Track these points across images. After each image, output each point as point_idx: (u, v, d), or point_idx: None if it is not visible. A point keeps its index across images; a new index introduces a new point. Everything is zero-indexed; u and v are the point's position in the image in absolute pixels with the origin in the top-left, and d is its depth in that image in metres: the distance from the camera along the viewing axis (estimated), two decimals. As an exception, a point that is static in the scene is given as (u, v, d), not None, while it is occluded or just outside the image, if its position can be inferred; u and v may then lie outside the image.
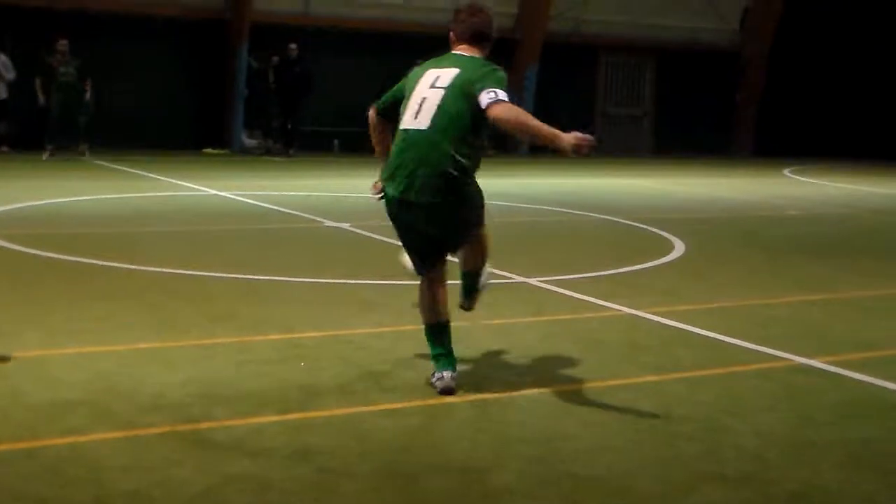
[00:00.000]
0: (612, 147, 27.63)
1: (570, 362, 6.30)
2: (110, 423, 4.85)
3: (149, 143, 21.92)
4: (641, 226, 12.97)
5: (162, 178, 16.93)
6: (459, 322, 7.16)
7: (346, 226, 11.88)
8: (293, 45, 22.42)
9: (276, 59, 22.60)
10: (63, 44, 19.28)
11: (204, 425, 4.87)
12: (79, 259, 8.90)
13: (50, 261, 8.77)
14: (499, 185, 17.36)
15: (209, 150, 22.81)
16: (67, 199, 13.19)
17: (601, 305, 7.93)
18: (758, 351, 6.70)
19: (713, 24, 28.58)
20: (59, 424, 4.80)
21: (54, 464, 4.32)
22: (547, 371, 6.08)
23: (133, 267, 8.73)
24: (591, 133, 5.04)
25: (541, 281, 8.81)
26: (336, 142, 24.29)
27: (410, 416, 5.16)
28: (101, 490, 4.07)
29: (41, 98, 19.57)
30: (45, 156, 19.33)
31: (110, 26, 22.15)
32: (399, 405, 5.32)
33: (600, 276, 9.24)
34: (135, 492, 4.06)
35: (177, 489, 4.11)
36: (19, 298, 7.38)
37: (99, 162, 19.33)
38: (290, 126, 22.73)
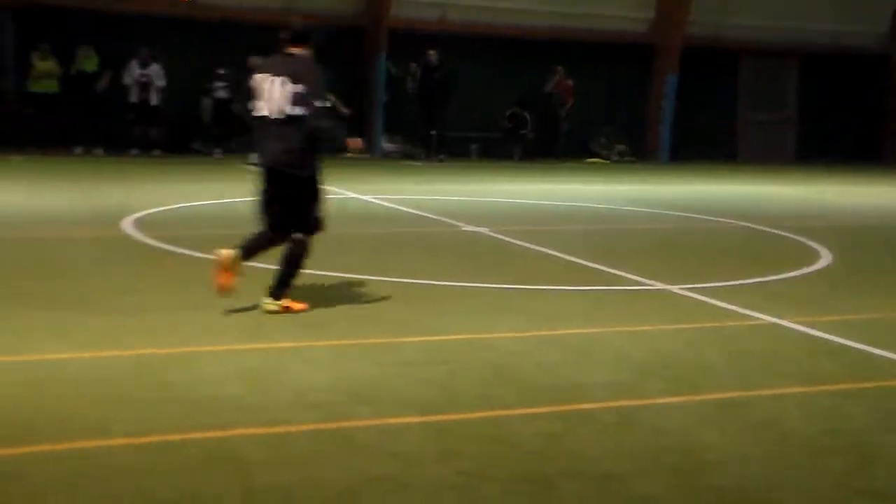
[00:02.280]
0: (754, 154, 27.08)
1: (712, 371, 6.19)
2: (256, 419, 4.97)
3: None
4: (785, 234, 12.66)
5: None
6: (596, 329, 7.14)
7: (484, 230, 11.92)
8: (432, 52, 22.61)
9: (414, 65, 22.83)
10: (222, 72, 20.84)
11: (347, 424, 4.95)
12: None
13: (196, 260, 9.02)
14: (640, 191, 17.21)
15: (350, 155, 23.13)
16: (219, 201, 13.56)
17: (745, 314, 7.77)
18: (910, 364, 6.48)
19: (861, 26, 27.67)
20: (207, 419, 4.93)
21: (203, 457, 4.45)
22: (689, 380, 5.99)
23: (277, 268, 8.90)
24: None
25: (682, 289, 8.67)
26: (473, 146, 24.41)
27: (551, 422, 5.14)
28: (247, 484, 4.17)
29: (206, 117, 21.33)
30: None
31: (254, 36, 22.68)
32: (540, 410, 5.31)
33: (744, 284, 9.05)
34: (279, 487, 4.15)
35: (320, 486, 4.18)
36: (172, 297, 7.62)
37: (248, 166, 19.80)
38: (434, 133, 22.94)
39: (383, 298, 7.94)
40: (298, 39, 7.30)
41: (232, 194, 14.33)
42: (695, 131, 25.94)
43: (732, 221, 14.02)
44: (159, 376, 5.61)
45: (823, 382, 6.03)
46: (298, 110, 7.03)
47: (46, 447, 4.48)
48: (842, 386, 5.98)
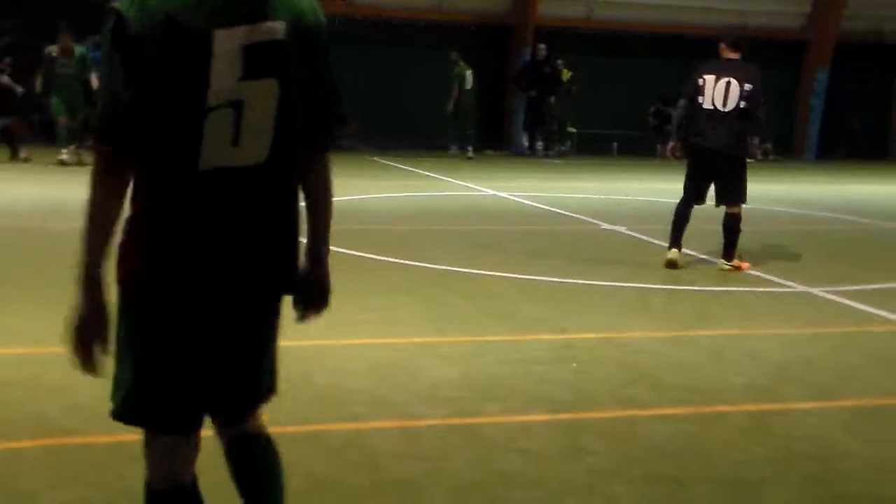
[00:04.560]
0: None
1: (853, 377, 6.01)
2: (388, 412, 5.04)
3: (432, 144, 22.60)
4: (939, 237, 12.18)
5: (444, 178, 17.40)
6: (733, 331, 7.01)
7: (622, 229, 11.81)
8: (542, 46, 22.59)
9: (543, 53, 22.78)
10: None
11: (476, 420, 4.98)
12: (364, 254, 9.30)
13: (337, 255, 9.16)
14: (786, 191, 16.79)
15: (489, 152, 23.26)
16: (357, 197, 13.79)
17: (890, 319, 7.50)
18: None
19: None
20: (341, 411, 5.03)
21: (336, 448, 4.54)
22: (829, 385, 5.83)
23: (414, 263, 9.03)
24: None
25: (825, 291, 8.43)
26: (615, 144, 24.21)
27: (683, 423, 5.07)
28: (377, 476, 4.24)
29: None
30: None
31: (403, 32, 23.00)
32: (672, 411, 5.25)
33: (891, 288, 8.74)
34: (409, 480, 4.20)
35: (448, 480, 4.22)
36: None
37: (383, 161, 20.10)
38: (545, 127, 22.97)
39: (517, 295, 7.95)
40: (735, 47, 9.18)
41: (359, 190, 14.56)
42: (844, 129, 25.15)
43: (881, 223, 13.56)
44: (296, 367, 5.73)
45: (973, 392, 5.79)
46: (743, 105, 8.88)
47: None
48: None
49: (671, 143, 9.56)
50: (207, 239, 2.54)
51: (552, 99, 22.67)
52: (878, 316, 7.62)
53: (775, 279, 8.87)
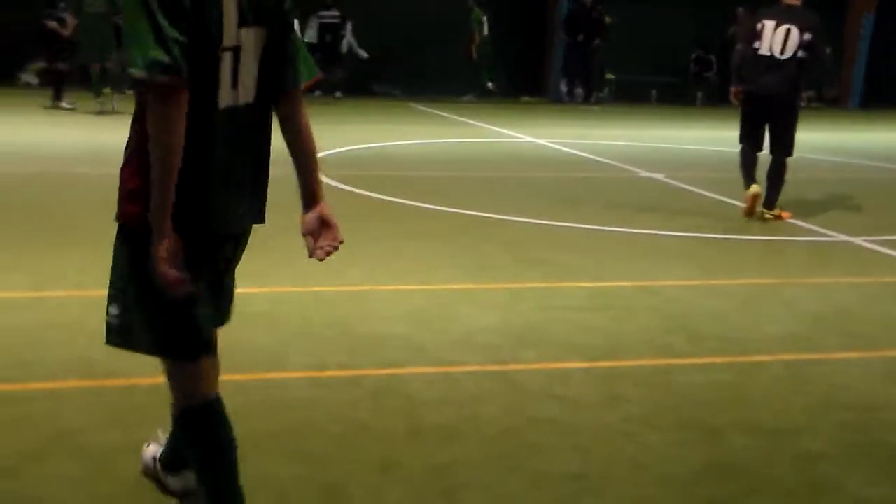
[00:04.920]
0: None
1: (892, 328, 5.97)
2: (424, 358, 5.07)
3: (464, 90, 22.46)
4: (983, 186, 12.02)
5: (481, 124, 17.33)
6: (771, 280, 6.97)
7: (660, 176, 11.73)
8: None
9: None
10: None
11: (512, 367, 5.00)
12: (401, 200, 9.30)
13: (375, 201, 9.22)
14: (827, 139, 16.58)
15: (527, 98, 23.10)
16: (394, 143, 13.77)
17: (932, 269, 7.44)
18: None
19: None
20: (379, 356, 5.06)
21: (374, 393, 4.58)
22: (868, 335, 5.79)
23: (451, 210, 9.03)
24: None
25: (866, 241, 8.35)
26: (654, 91, 23.98)
27: (720, 372, 5.07)
28: (414, 421, 4.27)
29: None
30: None
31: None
32: (708, 360, 5.24)
33: (933, 238, 8.66)
34: (445, 426, 4.23)
35: (484, 426, 4.24)
36: (346, 236, 7.80)
37: (422, 108, 20.04)
38: (587, 73, 22.74)
39: (553, 243, 7.94)
40: None
41: (402, 136, 14.53)
42: (890, 76, 24.75)
43: (925, 172, 13.38)
44: (335, 312, 5.78)
45: None
46: (802, 54, 8.84)
47: (228, 377, 4.68)
48: None
49: (733, 88, 9.42)
50: (223, 171, 2.73)
51: (598, 43, 22.43)
52: (919, 266, 7.55)
53: (816, 228, 8.80)
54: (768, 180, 9.11)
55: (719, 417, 4.45)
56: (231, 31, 2.65)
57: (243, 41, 2.69)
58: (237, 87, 2.71)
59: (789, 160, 9.12)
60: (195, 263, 2.70)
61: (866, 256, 7.91)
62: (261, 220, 2.96)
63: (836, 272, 7.29)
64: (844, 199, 10.56)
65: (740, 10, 23.25)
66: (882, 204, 10.73)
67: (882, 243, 8.26)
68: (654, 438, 4.19)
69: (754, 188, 9.05)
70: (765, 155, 9.21)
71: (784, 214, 9.12)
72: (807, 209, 9.71)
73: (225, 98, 2.68)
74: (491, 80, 22.49)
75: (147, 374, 3.64)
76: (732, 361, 5.24)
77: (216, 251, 2.86)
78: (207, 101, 2.63)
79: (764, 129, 9.11)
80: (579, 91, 23.24)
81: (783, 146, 9.06)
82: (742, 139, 9.29)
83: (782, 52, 8.88)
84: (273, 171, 2.91)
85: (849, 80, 24.86)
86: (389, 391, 4.60)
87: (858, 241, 8.37)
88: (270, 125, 2.88)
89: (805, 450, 4.16)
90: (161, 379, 2.95)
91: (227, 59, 2.66)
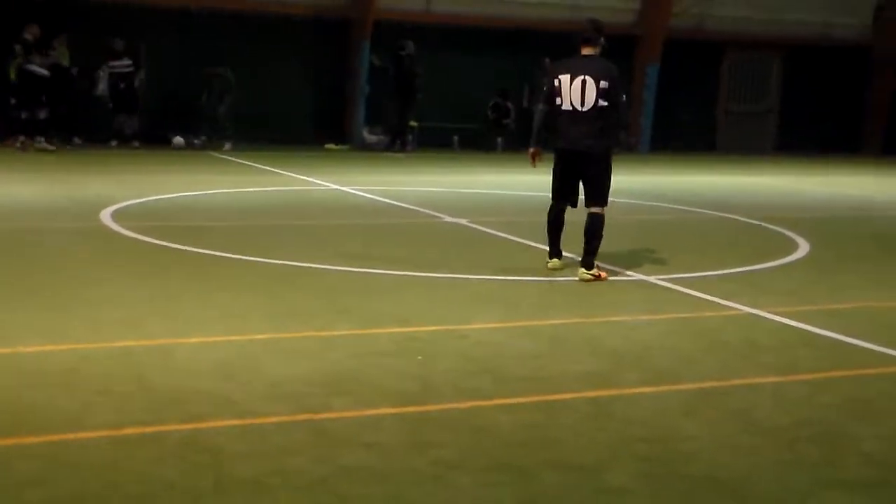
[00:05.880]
0: (734, 145, 27.10)
1: (689, 361, 6.22)
2: (230, 410, 4.96)
3: (272, 138, 22.30)
4: (765, 224, 12.71)
5: (285, 172, 17.23)
6: (573, 319, 7.16)
7: (464, 221, 11.92)
8: (410, 42, 22.63)
9: (404, 52, 22.70)
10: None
11: (322, 416, 4.95)
12: (204, 251, 9.12)
13: (177, 252, 9.00)
14: (619, 182, 17.18)
15: (331, 146, 23.12)
16: (195, 193, 13.52)
17: (722, 304, 7.80)
18: (884, 354, 6.51)
19: (844, 18, 27.75)
20: (182, 411, 4.92)
21: (178, 449, 4.44)
22: (666, 370, 6.01)
23: (258, 259, 8.91)
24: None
25: (660, 279, 8.70)
26: (455, 138, 24.40)
27: (527, 412, 5.15)
28: (222, 475, 4.16)
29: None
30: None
31: (240, 24, 22.59)
32: (515, 400, 5.32)
33: (722, 274, 9.09)
34: (253, 479, 4.14)
35: (294, 477, 4.18)
36: (147, 289, 7.60)
37: (226, 157, 19.79)
38: (402, 123, 22.99)
39: (362, 289, 7.94)
40: (588, 42, 8.88)
41: (203, 186, 14.31)
42: (674, 122, 26.00)
43: (711, 212, 14.06)
44: (135, 369, 5.60)
45: (799, 372, 6.06)
46: (602, 103, 8.63)
47: (22, 440, 4.47)
48: (817, 375, 6.01)
49: (531, 150, 9.15)
50: None
51: (418, 97, 22.68)
52: (710, 301, 7.90)
53: (611, 268, 9.09)
54: (585, 241, 8.66)
55: (527, 456, 4.52)
56: None
57: None
58: None
59: (605, 211, 8.73)
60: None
61: (660, 295, 8.23)
62: None
63: (634, 310, 7.55)
64: (637, 239, 10.97)
65: (547, 60, 24.03)
66: (671, 243, 11.20)
67: (675, 281, 8.62)
68: (466, 481, 4.22)
69: (554, 263, 8.91)
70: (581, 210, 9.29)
71: (602, 275, 8.63)
72: (602, 249, 10.01)
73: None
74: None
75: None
76: (539, 400, 5.34)
77: None
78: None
79: (577, 184, 8.86)
80: (383, 138, 23.41)
81: (596, 198, 8.71)
82: (553, 195, 8.99)
83: (582, 104, 8.60)
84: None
85: (638, 128, 25.94)
86: (194, 447, 4.47)
87: (653, 279, 8.70)
88: None
89: (609, 484, 4.26)
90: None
91: None
